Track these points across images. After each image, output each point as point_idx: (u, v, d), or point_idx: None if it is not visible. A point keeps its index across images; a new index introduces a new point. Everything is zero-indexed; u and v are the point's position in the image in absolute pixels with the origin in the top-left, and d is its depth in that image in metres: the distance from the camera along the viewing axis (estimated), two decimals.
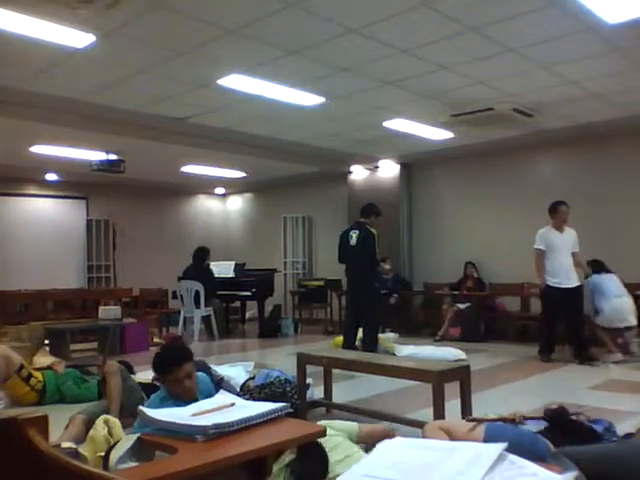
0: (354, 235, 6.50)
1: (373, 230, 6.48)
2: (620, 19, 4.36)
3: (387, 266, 8.39)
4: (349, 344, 6.42)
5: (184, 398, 2.69)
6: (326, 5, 4.11)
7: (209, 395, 2.84)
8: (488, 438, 2.03)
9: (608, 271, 6.77)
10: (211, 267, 9.38)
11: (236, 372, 4.78)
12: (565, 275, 6.33)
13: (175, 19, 4.28)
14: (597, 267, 6.83)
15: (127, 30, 4.45)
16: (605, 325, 6.59)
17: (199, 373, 3.05)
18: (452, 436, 2.13)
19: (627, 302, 6.56)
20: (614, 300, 6.53)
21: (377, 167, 9.97)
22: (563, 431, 2.47)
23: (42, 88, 5.81)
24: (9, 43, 4.59)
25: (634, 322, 6.51)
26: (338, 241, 6.83)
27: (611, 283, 6.68)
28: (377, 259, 6.58)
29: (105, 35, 4.53)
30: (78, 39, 4.56)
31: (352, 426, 2.74)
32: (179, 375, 2.71)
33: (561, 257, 6.38)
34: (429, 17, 4.30)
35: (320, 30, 4.52)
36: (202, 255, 9.15)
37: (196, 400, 2.73)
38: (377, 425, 3.22)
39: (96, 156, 8.34)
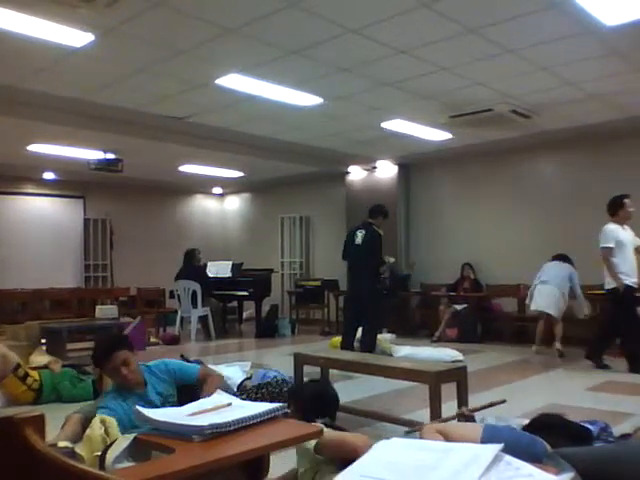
0: (360, 234, 6.48)
1: (380, 231, 6.48)
2: (618, 21, 4.37)
3: (392, 259, 8.31)
4: (348, 344, 6.41)
5: (127, 386, 2.79)
6: (325, 5, 4.11)
7: (174, 379, 2.85)
8: (485, 439, 2.03)
9: (564, 261, 6.96)
10: (207, 267, 9.38)
11: (233, 372, 4.77)
12: (634, 274, 5.86)
13: (174, 18, 4.28)
14: (557, 256, 7.04)
15: (126, 29, 4.44)
16: (532, 307, 6.92)
17: (159, 361, 3.05)
18: (449, 438, 2.13)
19: (548, 290, 6.75)
20: (539, 285, 6.85)
21: (375, 168, 9.98)
22: (556, 432, 2.46)
23: (40, 87, 5.80)
24: (7, 42, 4.58)
25: (552, 312, 6.72)
26: (345, 239, 6.82)
27: (549, 270, 6.92)
28: (381, 259, 6.56)
29: (104, 34, 4.52)
30: (77, 38, 4.55)
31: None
32: (115, 364, 2.79)
33: (630, 255, 5.92)
34: (428, 18, 4.31)
35: (319, 30, 4.52)
36: (188, 257, 9.25)
37: (144, 386, 2.84)
38: (347, 436, 2.28)
39: (94, 155, 8.32)
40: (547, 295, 6.79)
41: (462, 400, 3.36)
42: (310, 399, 2.76)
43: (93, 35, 4.52)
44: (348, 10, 4.20)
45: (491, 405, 2.80)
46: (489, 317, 8.53)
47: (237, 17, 4.29)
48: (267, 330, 9.16)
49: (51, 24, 4.27)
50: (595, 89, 6.04)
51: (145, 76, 5.53)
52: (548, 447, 2.03)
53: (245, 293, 9.32)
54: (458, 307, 8.38)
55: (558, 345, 6.77)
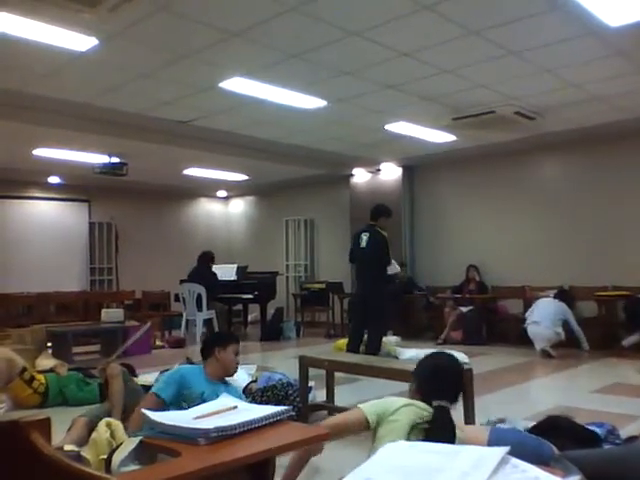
0: (365, 237, 6.47)
1: (383, 232, 6.46)
2: (622, 22, 4.36)
3: (398, 267, 8.31)
4: (354, 347, 6.40)
5: (225, 372, 3.16)
6: (328, 9, 4.12)
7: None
8: (492, 442, 2.03)
9: (561, 298, 7.06)
10: (214, 270, 9.39)
11: (238, 375, 4.76)
12: None
13: (178, 22, 4.29)
14: (558, 294, 7.20)
15: (130, 33, 4.46)
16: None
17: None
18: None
19: (540, 330, 6.95)
20: (532, 326, 7.03)
21: (379, 170, 9.98)
22: (563, 435, 2.46)
23: (45, 91, 5.83)
24: (12, 47, 4.60)
25: (550, 348, 6.89)
26: (351, 242, 6.82)
27: (540, 309, 7.06)
28: (389, 260, 6.52)
29: (108, 38, 4.54)
30: (81, 42, 4.57)
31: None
32: (236, 349, 3.18)
33: None
34: (431, 20, 4.31)
35: (322, 33, 4.53)
36: (205, 259, 9.18)
37: (226, 382, 3.17)
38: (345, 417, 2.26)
39: (99, 159, 8.35)
40: (541, 339, 6.95)
41: (468, 403, 3.35)
42: (424, 373, 2.32)
43: (97, 39, 4.54)
44: (350, 13, 4.20)
45: None
46: (494, 319, 8.50)
47: (240, 21, 4.30)
48: (272, 333, 9.16)
49: (55, 29, 4.28)
50: (599, 90, 6.02)
51: (149, 80, 5.55)
52: (555, 450, 2.02)
53: (250, 296, 9.32)
54: (463, 309, 8.36)
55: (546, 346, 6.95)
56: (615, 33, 4.54)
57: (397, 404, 2.11)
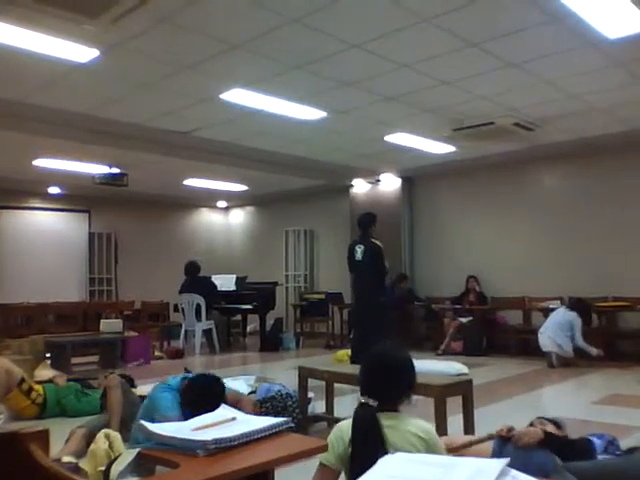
0: (359, 250, 6.47)
1: (378, 243, 6.45)
2: (620, 34, 4.39)
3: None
4: (358, 357, 6.37)
5: None
6: (328, 21, 4.14)
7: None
8: (495, 453, 2.02)
9: (572, 308, 7.02)
10: (213, 280, 9.38)
11: (237, 386, 4.75)
12: None
13: (179, 34, 4.32)
14: (571, 303, 7.20)
15: (131, 45, 4.48)
16: None
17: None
18: (460, 453, 2.11)
19: (543, 341, 7.01)
20: (540, 335, 7.08)
21: (379, 181, 9.99)
22: (559, 446, 2.44)
23: (46, 102, 5.85)
24: (14, 57, 4.63)
25: (555, 357, 6.92)
26: (347, 254, 6.81)
27: (550, 319, 7.12)
28: (385, 271, 6.52)
29: (109, 50, 4.56)
30: (82, 54, 4.60)
31: None
32: None
33: None
34: (430, 33, 4.33)
35: (322, 45, 4.55)
36: (192, 269, 9.14)
37: None
38: None
39: (99, 170, 8.37)
40: (547, 347, 6.99)
41: (468, 414, 3.34)
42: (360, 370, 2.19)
43: (98, 51, 4.56)
44: (350, 25, 4.23)
45: None
46: (494, 330, 8.48)
47: (241, 33, 4.32)
48: (271, 343, 9.13)
49: (57, 40, 4.31)
50: (598, 102, 6.05)
51: (150, 91, 5.58)
52: (558, 461, 2.01)
53: (249, 307, 9.30)
54: (463, 320, 8.34)
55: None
56: (613, 45, 4.57)
57: (345, 430, 2.00)
